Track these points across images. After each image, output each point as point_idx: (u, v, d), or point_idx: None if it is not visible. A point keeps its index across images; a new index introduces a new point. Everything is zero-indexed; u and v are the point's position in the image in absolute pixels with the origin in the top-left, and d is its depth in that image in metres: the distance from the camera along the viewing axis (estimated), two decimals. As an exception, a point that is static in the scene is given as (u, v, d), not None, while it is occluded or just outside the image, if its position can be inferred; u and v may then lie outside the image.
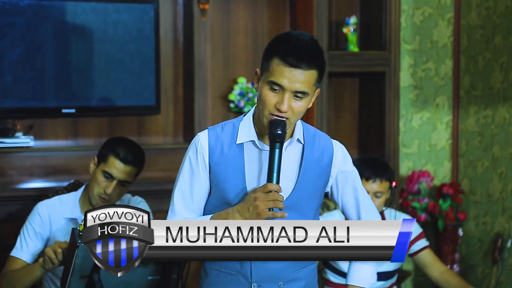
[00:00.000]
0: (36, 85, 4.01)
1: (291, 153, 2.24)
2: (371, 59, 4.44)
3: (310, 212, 2.25)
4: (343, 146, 2.35)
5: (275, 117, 2.13)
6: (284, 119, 2.13)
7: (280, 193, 2.11)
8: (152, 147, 4.18)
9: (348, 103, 4.72)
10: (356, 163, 3.31)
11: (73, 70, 4.10)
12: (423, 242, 3.42)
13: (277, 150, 2.13)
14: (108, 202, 3.06)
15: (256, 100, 2.22)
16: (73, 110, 4.07)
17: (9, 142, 3.95)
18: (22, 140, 3.97)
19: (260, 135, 2.23)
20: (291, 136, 2.24)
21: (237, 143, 2.23)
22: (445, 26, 4.84)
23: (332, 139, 2.33)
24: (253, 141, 2.23)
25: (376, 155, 4.40)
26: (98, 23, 4.10)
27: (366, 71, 4.52)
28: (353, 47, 4.45)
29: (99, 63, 4.13)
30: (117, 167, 3.03)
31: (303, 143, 2.26)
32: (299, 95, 2.13)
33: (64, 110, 4.05)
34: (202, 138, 2.26)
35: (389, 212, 3.41)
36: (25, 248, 2.99)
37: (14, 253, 2.99)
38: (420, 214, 4.60)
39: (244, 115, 2.30)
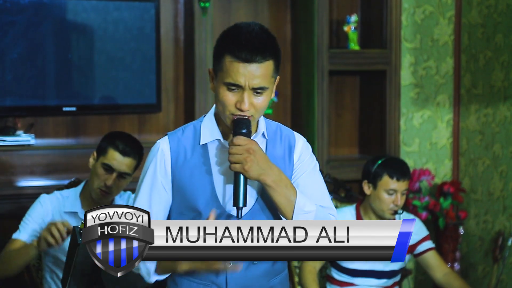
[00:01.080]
0: (37, 83, 4.01)
1: None
2: (372, 57, 4.44)
3: None
4: (304, 138, 2.24)
5: (238, 117, 2.04)
6: (247, 117, 2.04)
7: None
8: (152, 145, 4.17)
9: (349, 102, 4.72)
10: (381, 165, 3.35)
11: (74, 69, 4.10)
12: (429, 244, 3.44)
13: None
14: (109, 195, 3.09)
15: (214, 100, 2.13)
16: (74, 109, 4.07)
17: (10, 140, 3.95)
18: (23, 138, 3.98)
19: (224, 134, 2.14)
20: (256, 131, 2.15)
21: (201, 144, 2.14)
22: (446, 25, 4.84)
23: (295, 132, 2.24)
24: (218, 140, 2.14)
25: (377, 153, 4.40)
26: (98, 22, 4.10)
27: (367, 70, 4.52)
28: (354, 46, 4.45)
29: (99, 61, 4.13)
30: (117, 159, 3.06)
31: (267, 138, 2.17)
32: (258, 91, 2.03)
33: (65, 109, 4.06)
34: (162, 145, 2.16)
35: (398, 217, 3.42)
36: (25, 230, 3.06)
37: (15, 235, 3.08)
38: (421, 213, 4.60)
39: (204, 116, 2.20)
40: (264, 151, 2.13)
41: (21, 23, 3.97)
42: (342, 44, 4.54)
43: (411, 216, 3.49)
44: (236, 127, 2.04)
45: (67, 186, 3.48)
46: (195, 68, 4.18)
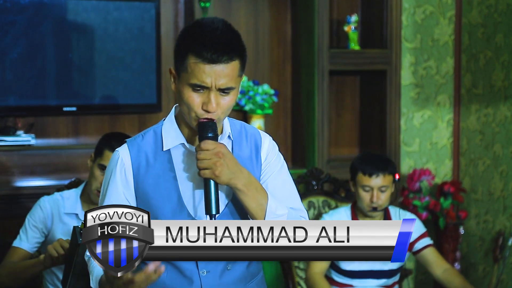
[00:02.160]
0: (37, 83, 4.01)
1: None
2: (372, 57, 4.44)
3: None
4: (270, 136, 2.17)
5: (204, 119, 1.95)
6: (214, 120, 1.96)
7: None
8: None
9: (349, 102, 4.72)
10: (356, 161, 3.33)
11: (74, 68, 4.10)
12: (427, 240, 3.41)
13: None
14: None
15: (177, 101, 2.04)
16: (74, 108, 4.07)
17: (10, 140, 3.95)
18: (23, 138, 3.98)
19: (188, 138, 2.06)
20: (221, 132, 2.07)
21: (164, 150, 2.05)
22: (446, 24, 4.83)
23: (260, 131, 2.16)
24: (182, 144, 2.05)
25: (377, 152, 4.40)
26: (99, 21, 4.10)
27: (367, 70, 4.52)
28: (354, 45, 4.45)
29: (100, 61, 4.13)
30: None
31: (232, 139, 2.10)
32: (225, 91, 1.95)
33: (65, 108, 4.06)
34: (122, 153, 2.05)
35: (394, 210, 3.41)
36: (27, 239, 3.05)
37: (16, 243, 3.05)
38: (421, 212, 4.60)
39: (164, 120, 2.11)
40: (231, 152, 2.04)
41: (22, 23, 3.97)
42: (343, 44, 4.54)
43: (408, 214, 3.47)
44: (202, 131, 1.96)
45: (68, 186, 3.48)
46: (195, 68, 4.18)
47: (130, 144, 2.07)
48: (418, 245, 3.41)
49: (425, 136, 4.85)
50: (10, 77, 3.97)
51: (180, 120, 2.07)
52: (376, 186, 3.23)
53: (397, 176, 3.35)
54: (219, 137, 2.04)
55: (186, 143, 2.05)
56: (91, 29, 4.10)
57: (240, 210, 2.07)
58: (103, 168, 3.06)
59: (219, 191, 2.00)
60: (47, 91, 4.04)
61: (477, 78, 4.72)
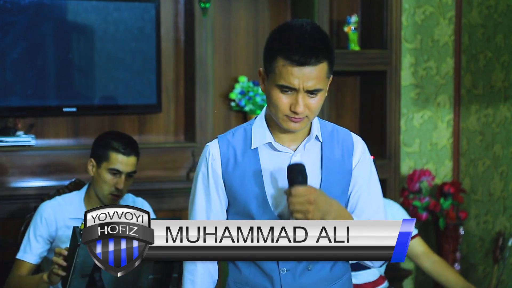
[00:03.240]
0: (37, 83, 4.01)
1: (311, 152, 2.10)
2: (372, 58, 4.43)
3: None
4: (362, 140, 2.18)
5: (291, 164, 2.00)
6: (300, 162, 2.00)
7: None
8: (153, 146, 4.18)
9: (349, 102, 4.72)
10: None
11: (74, 69, 4.10)
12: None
13: None
14: (121, 197, 3.06)
15: (266, 102, 2.08)
16: (74, 109, 4.07)
17: (10, 141, 3.95)
18: (23, 139, 3.98)
19: (276, 137, 2.10)
20: (309, 133, 2.11)
21: (252, 148, 2.09)
22: (446, 25, 4.84)
23: (351, 133, 2.18)
24: (269, 143, 2.09)
25: (378, 154, 4.40)
26: (99, 22, 4.10)
27: (367, 70, 4.52)
28: (354, 46, 4.45)
29: (100, 61, 4.13)
30: (122, 162, 3.02)
31: (321, 141, 2.12)
32: (313, 92, 1.99)
33: (65, 109, 4.06)
34: (212, 149, 2.11)
35: None
36: (30, 251, 2.99)
37: (20, 256, 3.00)
38: (421, 213, 4.61)
39: (255, 118, 2.15)
40: (320, 154, 2.10)
41: (22, 23, 3.97)
42: (343, 45, 4.54)
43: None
44: (291, 175, 1.99)
45: (67, 187, 3.47)
46: (196, 68, 4.18)
47: (220, 140, 2.12)
48: None
49: (425, 136, 4.85)
50: (10, 78, 3.97)
51: (269, 120, 2.11)
52: None
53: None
54: (306, 138, 2.09)
55: (274, 142, 2.09)
56: (91, 30, 4.10)
57: None
58: (114, 171, 3.02)
59: None
60: (47, 92, 4.04)
61: (477, 79, 4.72)
